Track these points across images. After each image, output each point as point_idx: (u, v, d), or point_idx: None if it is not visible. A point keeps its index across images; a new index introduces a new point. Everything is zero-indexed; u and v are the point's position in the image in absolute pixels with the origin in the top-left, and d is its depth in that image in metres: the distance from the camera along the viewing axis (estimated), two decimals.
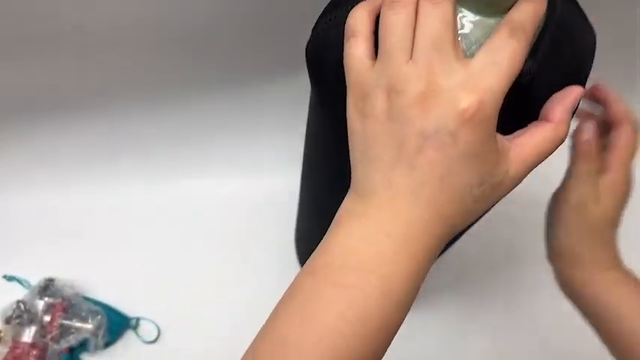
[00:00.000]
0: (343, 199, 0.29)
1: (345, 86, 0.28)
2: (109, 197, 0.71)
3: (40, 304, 0.61)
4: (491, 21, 0.27)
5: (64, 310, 0.61)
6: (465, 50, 0.27)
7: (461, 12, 0.27)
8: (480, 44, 0.26)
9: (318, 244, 0.29)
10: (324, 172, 0.45)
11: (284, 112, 0.68)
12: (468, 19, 0.27)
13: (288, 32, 0.58)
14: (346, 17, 0.29)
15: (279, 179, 0.68)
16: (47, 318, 0.60)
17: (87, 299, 0.64)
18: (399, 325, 0.26)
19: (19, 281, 0.65)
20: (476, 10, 0.27)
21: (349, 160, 0.29)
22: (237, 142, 0.70)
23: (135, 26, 0.54)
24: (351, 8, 0.30)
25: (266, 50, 0.60)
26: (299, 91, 0.68)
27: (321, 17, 0.34)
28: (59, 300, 0.61)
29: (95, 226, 0.70)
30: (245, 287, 0.67)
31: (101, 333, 0.61)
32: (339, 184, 0.34)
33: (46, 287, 0.62)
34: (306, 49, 0.35)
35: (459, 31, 0.27)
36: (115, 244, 0.69)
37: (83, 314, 0.61)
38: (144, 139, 0.68)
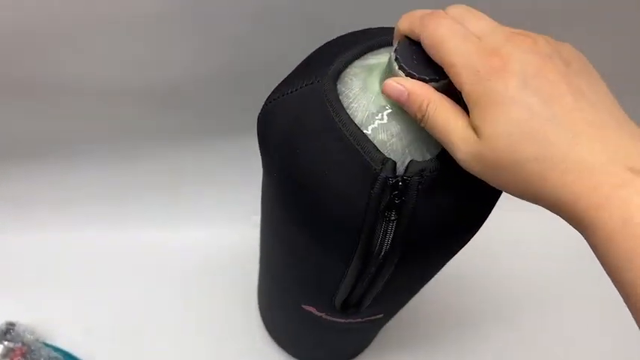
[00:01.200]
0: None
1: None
2: (75, 242, 0.72)
3: (0, 348, 0.61)
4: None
5: (23, 356, 0.61)
6: (385, 141, 0.30)
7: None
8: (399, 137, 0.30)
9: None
10: (265, 231, 0.47)
11: (251, 166, 0.71)
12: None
13: (254, 93, 0.62)
14: (292, 94, 0.32)
15: (245, 231, 0.70)
16: None
17: (47, 345, 0.64)
18: None
19: None
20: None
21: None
22: (204, 193, 0.73)
23: (111, 81, 0.58)
24: (302, 87, 0.33)
25: (232, 109, 0.64)
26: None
27: (272, 92, 0.37)
28: (19, 345, 0.62)
29: (60, 271, 0.71)
30: (206, 336, 0.68)
31: None
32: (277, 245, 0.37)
33: (7, 331, 0.62)
34: (257, 120, 0.37)
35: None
36: (78, 291, 0.69)
37: None
38: (112, 187, 0.70)
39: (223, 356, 0.67)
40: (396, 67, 0.29)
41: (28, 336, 0.63)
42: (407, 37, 0.30)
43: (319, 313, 0.45)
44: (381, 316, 0.47)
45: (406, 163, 0.30)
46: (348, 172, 0.31)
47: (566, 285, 0.75)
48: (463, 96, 0.27)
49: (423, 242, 0.33)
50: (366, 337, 0.63)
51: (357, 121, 0.31)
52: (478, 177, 0.28)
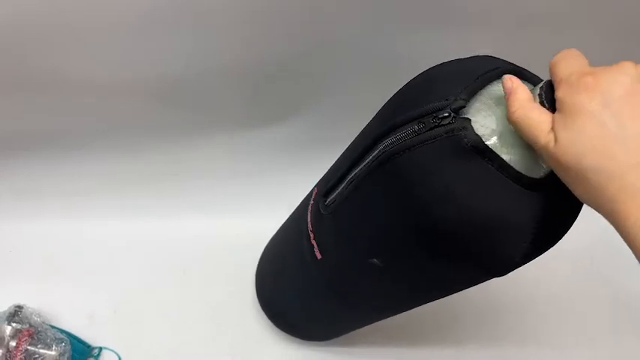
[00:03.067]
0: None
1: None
2: (80, 231, 0.75)
3: (8, 330, 0.64)
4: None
5: (30, 337, 0.64)
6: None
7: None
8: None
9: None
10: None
11: (255, 160, 0.75)
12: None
13: (254, 88, 0.66)
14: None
15: (244, 221, 0.74)
16: (13, 343, 0.63)
17: (53, 327, 0.67)
18: None
19: None
20: None
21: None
22: (205, 185, 0.76)
23: (117, 77, 0.61)
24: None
25: (233, 103, 0.67)
26: (267, 142, 0.75)
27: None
28: (26, 326, 0.65)
29: (66, 257, 0.74)
30: (205, 321, 0.71)
31: None
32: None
33: (15, 314, 0.65)
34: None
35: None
36: (83, 276, 0.73)
37: (48, 341, 0.64)
38: (116, 179, 0.74)
39: (222, 340, 0.71)
40: (537, 94, 0.33)
41: (35, 318, 0.66)
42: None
43: (312, 201, 0.49)
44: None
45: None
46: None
47: (572, 286, 0.78)
48: (557, 104, 0.31)
49: None
50: (354, 313, 0.65)
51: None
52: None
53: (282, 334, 0.71)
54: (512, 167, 0.33)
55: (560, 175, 0.31)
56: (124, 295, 0.72)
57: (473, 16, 0.59)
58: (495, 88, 0.35)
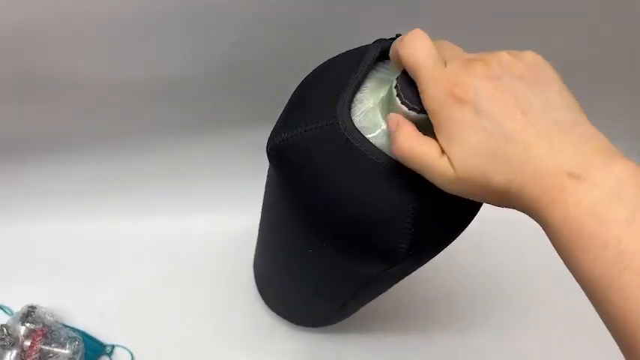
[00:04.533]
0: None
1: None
2: (89, 231, 0.76)
3: (22, 330, 0.65)
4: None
5: (44, 336, 0.65)
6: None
7: None
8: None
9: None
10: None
11: (254, 158, 0.75)
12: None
13: (254, 88, 0.67)
14: (307, 133, 0.36)
15: (248, 219, 0.75)
16: (28, 343, 0.65)
17: (66, 326, 0.68)
18: None
19: (2, 308, 0.70)
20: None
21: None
22: (209, 184, 0.77)
23: (120, 78, 0.62)
24: (319, 127, 0.36)
25: (234, 103, 0.68)
26: (262, 141, 0.76)
27: (280, 128, 0.39)
28: (40, 326, 0.66)
29: (76, 257, 0.75)
30: (214, 316, 0.73)
31: (78, 358, 0.66)
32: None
33: (28, 314, 0.67)
34: (269, 155, 0.40)
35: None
36: (93, 275, 0.74)
37: (61, 340, 0.66)
38: (122, 179, 0.75)
39: (232, 334, 0.72)
40: (395, 95, 0.33)
41: (49, 318, 0.67)
42: None
43: None
44: None
45: None
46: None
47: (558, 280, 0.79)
48: (434, 126, 0.31)
49: None
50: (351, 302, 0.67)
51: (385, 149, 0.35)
52: (461, 196, 0.31)
53: (291, 325, 0.72)
54: (384, 153, 0.34)
55: (465, 192, 0.31)
56: (134, 293, 0.73)
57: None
58: (378, 75, 0.37)
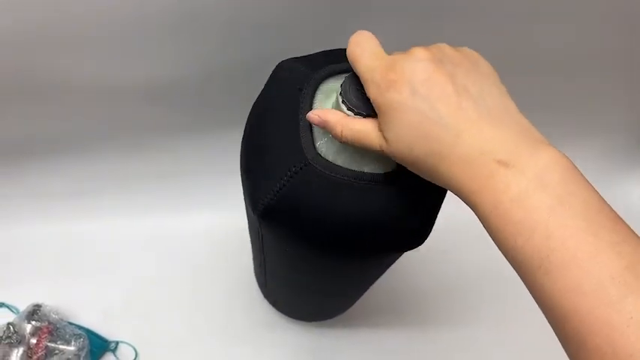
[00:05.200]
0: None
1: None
2: (92, 230, 0.78)
3: (28, 328, 0.67)
4: None
5: (50, 333, 0.67)
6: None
7: None
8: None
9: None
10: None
11: None
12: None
13: (255, 87, 0.67)
14: (287, 187, 0.36)
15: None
16: (34, 340, 0.66)
17: (70, 324, 0.70)
18: None
19: (8, 307, 0.71)
20: None
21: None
22: (210, 182, 0.78)
23: (122, 79, 0.62)
24: (292, 175, 0.36)
25: (233, 102, 0.68)
26: None
27: (259, 193, 0.39)
28: (45, 324, 0.67)
29: (79, 256, 0.76)
30: (215, 312, 0.74)
31: (83, 355, 0.67)
32: None
33: (34, 312, 0.68)
34: (262, 217, 0.39)
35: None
36: (96, 274, 0.75)
37: (67, 337, 0.67)
38: (123, 179, 0.76)
39: (233, 329, 0.73)
40: (341, 102, 0.34)
41: (54, 316, 0.68)
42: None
43: None
44: None
45: None
46: None
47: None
48: (374, 107, 0.32)
49: None
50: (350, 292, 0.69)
51: None
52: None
53: (292, 321, 0.73)
54: (357, 171, 0.35)
55: (409, 167, 0.32)
56: (136, 290, 0.75)
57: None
58: (323, 88, 0.38)
